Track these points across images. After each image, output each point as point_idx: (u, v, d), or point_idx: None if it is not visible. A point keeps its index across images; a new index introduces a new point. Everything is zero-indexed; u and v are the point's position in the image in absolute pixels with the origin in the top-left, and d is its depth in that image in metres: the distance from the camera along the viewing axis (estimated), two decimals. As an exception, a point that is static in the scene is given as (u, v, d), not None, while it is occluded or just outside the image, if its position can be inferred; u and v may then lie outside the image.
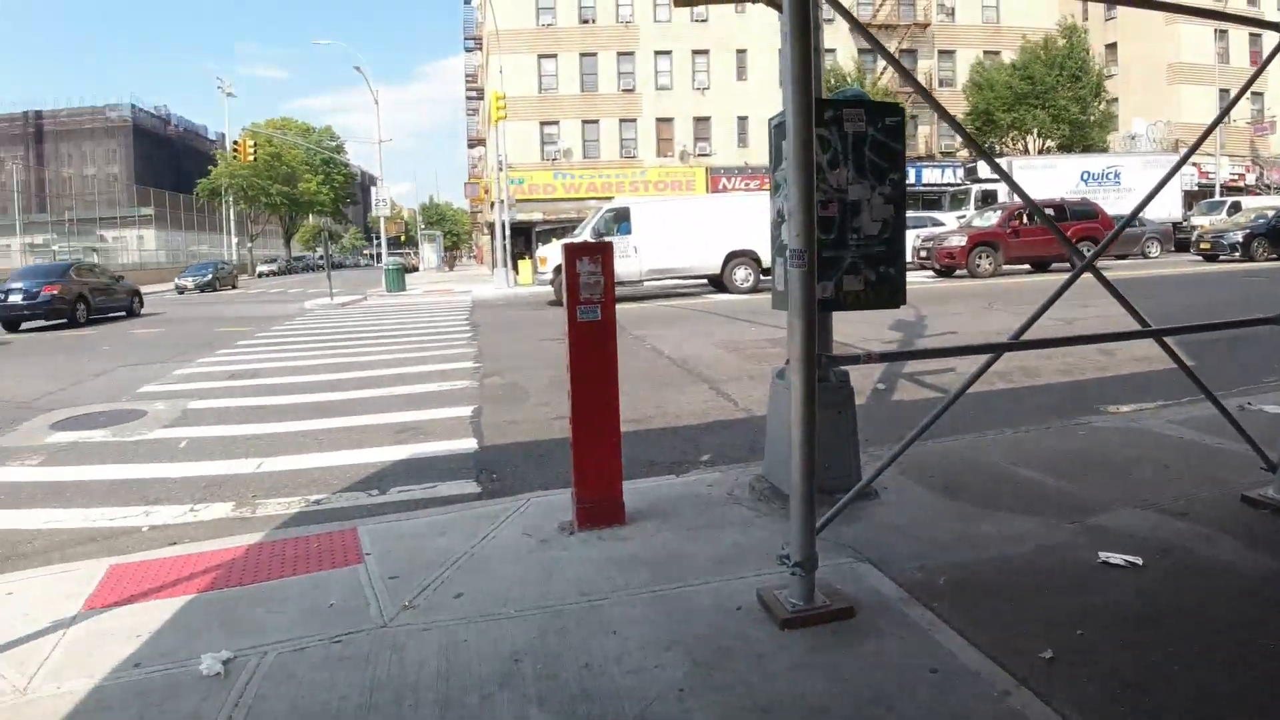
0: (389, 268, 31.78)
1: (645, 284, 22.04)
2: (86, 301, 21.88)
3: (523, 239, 39.17)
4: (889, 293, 4.25)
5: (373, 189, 41.28)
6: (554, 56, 43.61)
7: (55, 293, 20.84)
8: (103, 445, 7.41)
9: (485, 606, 3.60)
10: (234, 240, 78.44)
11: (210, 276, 41.65)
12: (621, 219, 20.92)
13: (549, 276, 20.84)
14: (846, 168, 4.08)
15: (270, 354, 13.39)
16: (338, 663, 3.18)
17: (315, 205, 78.47)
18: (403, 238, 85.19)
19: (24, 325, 20.72)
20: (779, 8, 4.67)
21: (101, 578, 4.17)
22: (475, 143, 68.36)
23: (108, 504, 5.71)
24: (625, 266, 20.04)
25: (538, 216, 40.69)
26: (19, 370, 13.10)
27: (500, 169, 32.55)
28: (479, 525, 4.58)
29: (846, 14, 3.84)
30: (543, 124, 43.51)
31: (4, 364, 14.15)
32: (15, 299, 20.53)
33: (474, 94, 66.03)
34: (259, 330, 17.69)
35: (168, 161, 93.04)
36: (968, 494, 4.71)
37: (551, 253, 21.24)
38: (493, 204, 34.78)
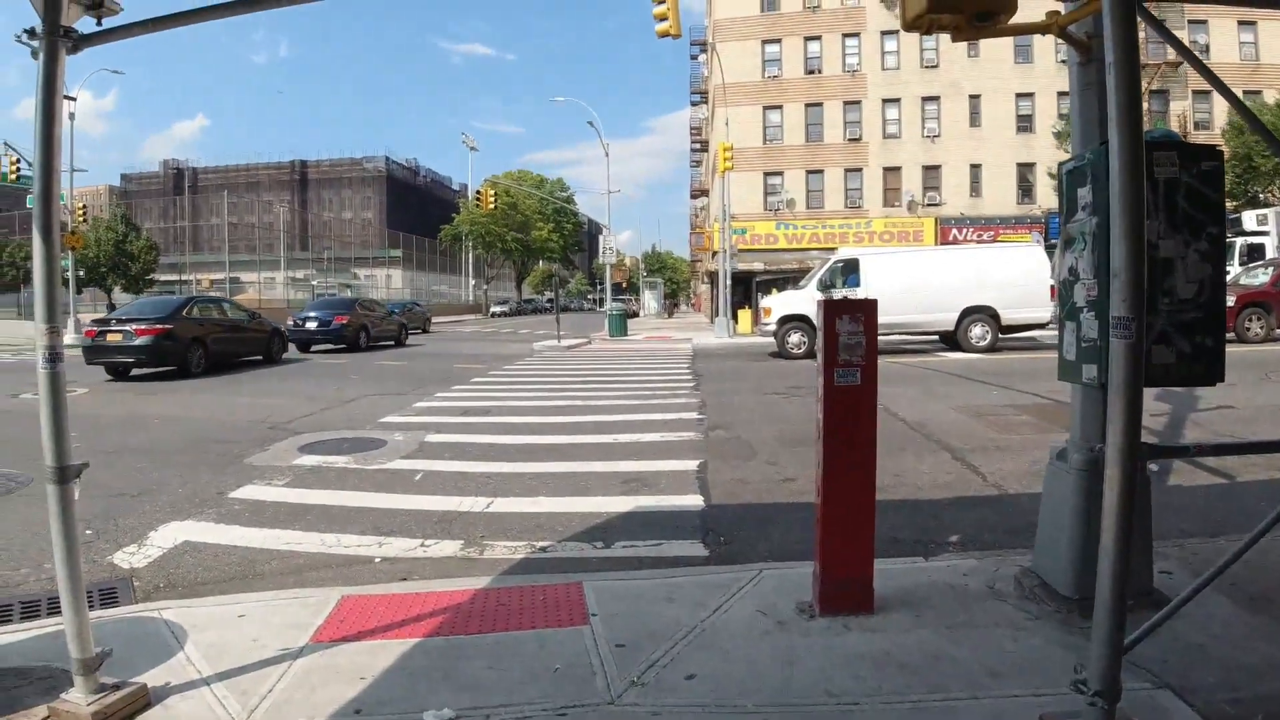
0: (612, 313, 32.49)
1: None
2: (367, 331, 26.12)
3: (742, 289, 39.08)
4: (1206, 367, 3.57)
5: (601, 236, 42.60)
6: (779, 108, 43.53)
7: (345, 322, 25.05)
8: (344, 471, 7.73)
9: (720, 694, 3.24)
10: (471, 282, 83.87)
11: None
12: (850, 271, 20.25)
13: (771, 327, 20.45)
14: (1157, 219, 3.49)
15: (502, 392, 13.80)
16: (561, 741, 2.92)
17: (545, 251, 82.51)
18: (624, 284, 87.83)
19: (314, 348, 24.75)
20: (1077, 43, 4.15)
21: (332, 609, 4.17)
22: (698, 193, 69.66)
23: (345, 531, 5.85)
24: None
25: (759, 266, 40.52)
26: (285, 389, 14.45)
27: (724, 219, 32.67)
28: (709, 595, 4.24)
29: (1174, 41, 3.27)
30: (766, 174, 43.44)
31: (274, 384, 15.59)
32: (311, 326, 24.94)
33: (698, 146, 67.45)
34: (491, 368, 18.40)
35: (415, 208, 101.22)
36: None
37: (776, 304, 20.85)
38: (714, 253, 34.96)
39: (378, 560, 5.27)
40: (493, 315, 71.28)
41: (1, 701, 3.32)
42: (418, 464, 7.94)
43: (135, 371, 17.02)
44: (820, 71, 43.40)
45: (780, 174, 43.47)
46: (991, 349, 19.69)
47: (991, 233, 39.42)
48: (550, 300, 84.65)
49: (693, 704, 3.17)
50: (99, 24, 3.45)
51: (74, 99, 32.03)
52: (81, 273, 40.31)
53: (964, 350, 19.82)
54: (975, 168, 42.05)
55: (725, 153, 29.80)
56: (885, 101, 42.85)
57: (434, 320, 45.77)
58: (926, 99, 42.48)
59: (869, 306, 3.87)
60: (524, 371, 17.85)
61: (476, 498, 6.64)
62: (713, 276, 43.58)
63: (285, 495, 6.92)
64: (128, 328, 16.49)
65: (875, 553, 3.99)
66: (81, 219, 38.75)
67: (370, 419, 10.70)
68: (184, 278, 73.99)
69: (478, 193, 51.85)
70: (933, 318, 20.21)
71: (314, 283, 61.22)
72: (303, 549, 5.51)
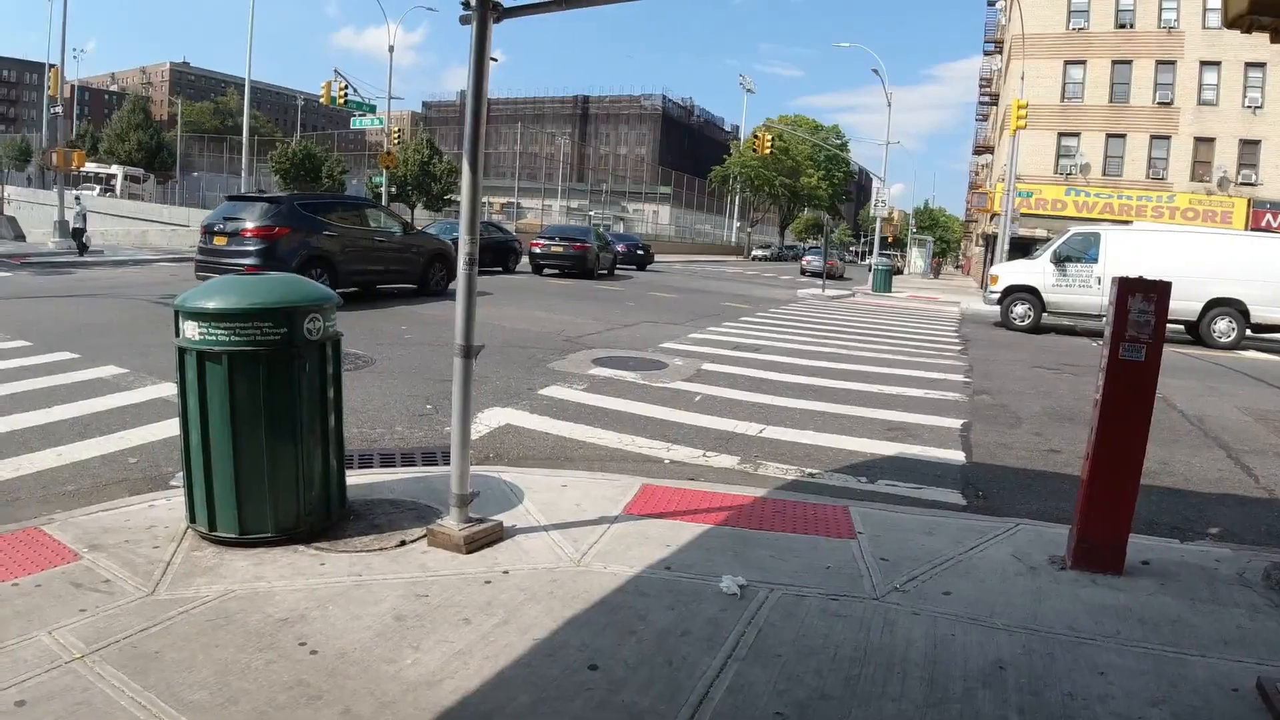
0: (878, 268, 32.10)
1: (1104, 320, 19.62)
2: (598, 259, 27.31)
3: (1021, 254, 36.99)
4: None
5: (874, 186, 41.65)
6: (1082, 63, 39.82)
7: (585, 249, 26.22)
8: (633, 385, 8.75)
9: (972, 611, 3.70)
10: (735, 224, 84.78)
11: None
12: (1090, 245, 18.72)
13: (996, 296, 19.49)
14: None
15: (769, 333, 14.50)
16: (834, 618, 3.52)
17: (813, 199, 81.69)
18: (891, 239, 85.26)
19: (546, 271, 26.15)
20: None
21: (636, 492, 5.00)
22: (981, 149, 65.75)
23: (636, 434, 6.77)
24: (1084, 298, 18.35)
25: (1041, 233, 37.95)
26: (570, 308, 16.02)
27: (1009, 180, 31.04)
28: (965, 535, 4.64)
29: None
30: (1061, 135, 40.20)
31: (559, 302, 17.24)
32: (558, 249, 26.28)
33: (986, 99, 63.37)
34: (758, 310, 19.13)
35: (687, 147, 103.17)
36: None
37: (1003, 272, 19.81)
38: (993, 215, 33.36)
39: (667, 461, 6.12)
40: (754, 258, 71.88)
41: (384, 523, 4.39)
42: (696, 387, 8.79)
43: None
44: (1132, 26, 39.20)
45: (1076, 135, 40.12)
46: (1235, 346, 17.77)
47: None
48: (813, 248, 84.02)
49: (947, 613, 3.65)
50: (513, -5, 4.27)
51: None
52: (393, 190, 44.96)
53: (1205, 345, 17.99)
54: (1302, 147, 36.86)
55: (1019, 110, 28.19)
56: (1203, 64, 38.10)
57: (694, 259, 46.92)
58: (1251, 65, 37.26)
59: (1162, 289, 4.06)
60: (789, 316, 18.41)
61: (749, 423, 7.34)
62: (989, 240, 41.54)
63: (584, 398, 8.01)
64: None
65: (1134, 530, 4.22)
66: (396, 141, 43.18)
67: (651, 343, 11.76)
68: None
69: (754, 135, 52.24)
70: (1175, 305, 18.34)
71: (590, 213, 64.53)
72: (603, 444, 6.48)
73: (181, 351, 3.84)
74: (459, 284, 4.13)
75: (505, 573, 3.82)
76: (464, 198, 4.09)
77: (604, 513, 4.62)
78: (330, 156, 58.50)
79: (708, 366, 10.03)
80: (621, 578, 3.82)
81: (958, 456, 6.76)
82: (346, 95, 37.01)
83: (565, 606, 3.50)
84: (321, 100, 38.15)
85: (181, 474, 4.18)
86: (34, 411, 6.57)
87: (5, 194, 34.84)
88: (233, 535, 3.92)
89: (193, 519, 4.03)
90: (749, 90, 79.49)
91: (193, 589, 3.56)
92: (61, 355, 8.81)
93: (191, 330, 3.78)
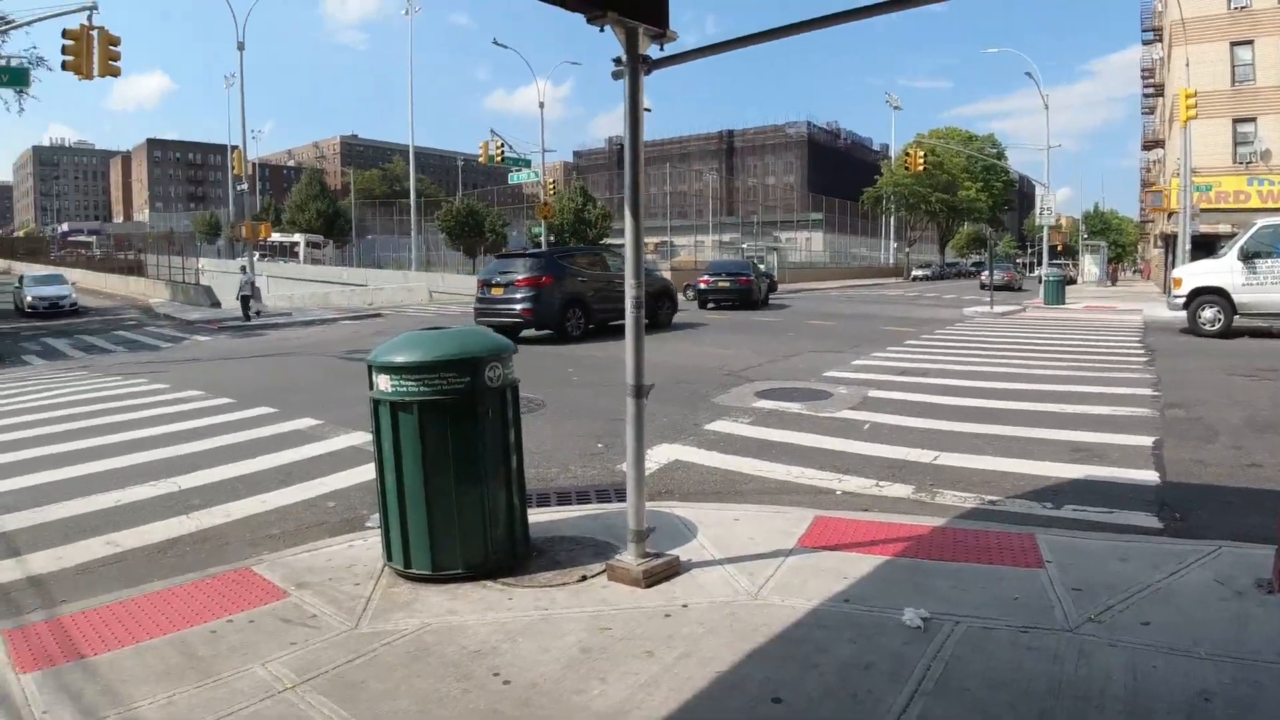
0: (1049, 279, 30.50)
1: None
2: (760, 290, 28.60)
3: (1204, 253, 34.16)
4: None
5: (1037, 193, 39.65)
6: (1249, 43, 36.07)
7: (749, 284, 27.47)
8: (798, 416, 8.70)
9: (1173, 640, 3.46)
10: (892, 244, 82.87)
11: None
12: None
13: (1181, 301, 17.86)
14: None
15: (936, 355, 14.02)
16: (1024, 650, 3.37)
17: (972, 212, 78.82)
18: (1060, 247, 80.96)
19: (710, 305, 26.89)
20: None
21: (809, 524, 4.96)
22: (1150, 144, 61.28)
23: (805, 465, 6.72)
24: (1278, 296, 16.56)
25: (1224, 229, 34.93)
26: (728, 341, 16.20)
27: (1184, 175, 28.84)
28: (1162, 560, 4.34)
29: None
30: (1235, 121, 36.70)
31: (717, 336, 17.47)
32: (725, 284, 27.60)
33: (1150, 90, 59.06)
34: (922, 332, 18.55)
35: (835, 171, 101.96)
36: None
37: (1187, 274, 18.04)
38: (1170, 214, 31.09)
39: (838, 492, 6.03)
40: (914, 279, 69.89)
41: (565, 559, 4.53)
42: (863, 415, 8.64)
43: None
44: (1301, -3, 35.73)
45: (1252, 120, 36.51)
46: None
47: None
48: (975, 265, 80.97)
49: (1146, 643, 3.43)
50: (661, 49, 4.42)
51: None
52: (551, 237, 46.60)
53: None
54: None
55: (1188, 100, 26.16)
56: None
57: (850, 284, 46.12)
58: None
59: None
60: (956, 336, 17.76)
61: (922, 450, 7.13)
62: (1168, 240, 38.65)
63: (750, 431, 8.03)
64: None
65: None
66: (552, 192, 44.85)
67: (814, 373, 11.63)
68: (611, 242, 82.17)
69: (905, 152, 51.04)
70: None
71: (743, 245, 64.64)
72: (772, 476, 6.47)
73: (376, 403, 4.15)
74: (627, 326, 4.28)
75: (684, 606, 3.88)
76: (628, 244, 4.24)
77: (778, 546, 4.61)
78: (491, 211, 61.28)
79: (874, 393, 9.82)
80: (800, 611, 3.80)
81: (1150, 476, 6.34)
82: (503, 152, 38.87)
83: (745, 640, 3.52)
84: (480, 159, 40.21)
85: (376, 516, 4.49)
86: (240, 462, 7.24)
87: (200, 265, 38.32)
88: (426, 572, 4.17)
89: (389, 557, 4.31)
90: (895, 107, 77.89)
91: (392, 623, 3.80)
92: (261, 410, 9.62)
93: (384, 383, 4.08)
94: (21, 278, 36.66)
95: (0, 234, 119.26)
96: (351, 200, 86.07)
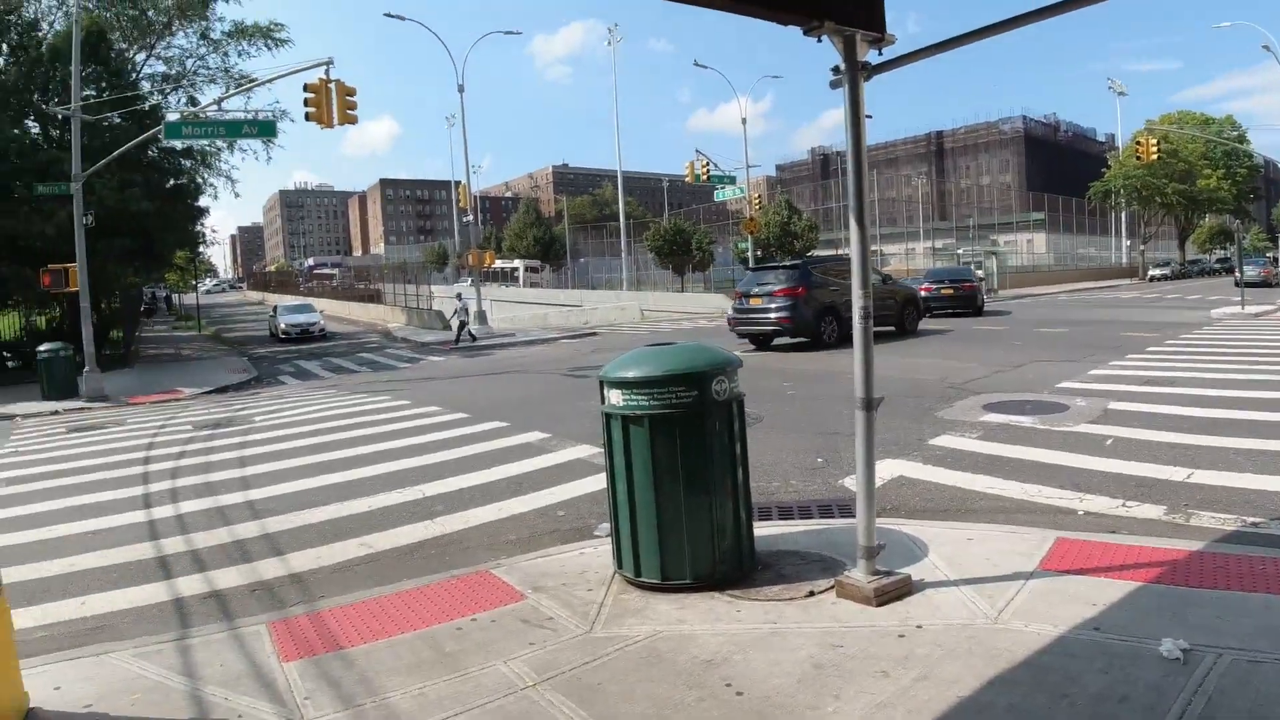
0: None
1: None
2: (983, 296, 28.49)
3: None
4: None
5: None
6: None
7: (973, 290, 27.47)
8: (1031, 430, 8.22)
9: None
10: (1125, 242, 76.57)
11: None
12: None
13: None
14: None
15: (1184, 362, 12.82)
16: (1304, 688, 3.05)
17: (1214, 203, 71.25)
18: (1318, 235, 71.80)
19: (935, 312, 25.94)
20: None
21: (1051, 546, 4.69)
22: None
23: (1041, 483, 6.34)
24: None
25: None
26: (950, 351, 15.69)
27: None
28: None
29: None
30: None
31: (937, 345, 16.91)
32: (948, 292, 27.28)
33: None
34: (1166, 337, 16.96)
35: (1056, 167, 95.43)
36: None
37: None
38: None
39: (1080, 513, 5.66)
40: (1151, 279, 64.21)
41: (791, 573, 4.52)
42: (1105, 429, 8.05)
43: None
44: None
45: None
46: None
47: None
48: (1220, 261, 73.42)
49: None
50: (880, 54, 4.36)
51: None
52: (758, 252, 46.51)
53: None
54: None
55: None
56: None
57: (1079, 286, 43.01)
58: None
59: None
60: (1204, 341, 16.14)
61: (1173, 467, 6.56)
62: None
63: (979, 446, 7.68)
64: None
65: None
66: (757, 207, 44.85)
67: (1046, 384, 10.95)
68: (839, 252, 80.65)
69: (1135, 141, 47.10)
70: None
71: (958, 251, 61.72)
72: (1006, 494, 6.16)
73: (608, 417, 4.34)
74: (855, 338, 4.25)
75: (918, 627, 3.78)
76: (854, 254, 4.21)
77: (1017, 568, 4.39)
78: (698, 229, 61.99)
79: (1115, 405, 9.10)
80: (1046, 637, 3.60)
81: None
82: (709, 171, 39.26)
83: (986, 665, 3.38)
84: (686, 179, 40.79)
85: (606, 525, 4.67)
86: (476, 472, 7.75)
87: (431, 291, 41.04)
88: (655, 580, 4.30)
89: (619, 565, 4.48)
90: (1120, 93, 71.82)
91: (624, 628, 3.95)
92: (493, 424, 10.23)
93: (615, 398, 4.26)
94: (275, 307, 40.62)
95: (255, 269, 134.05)
96: (565, 226, 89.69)
